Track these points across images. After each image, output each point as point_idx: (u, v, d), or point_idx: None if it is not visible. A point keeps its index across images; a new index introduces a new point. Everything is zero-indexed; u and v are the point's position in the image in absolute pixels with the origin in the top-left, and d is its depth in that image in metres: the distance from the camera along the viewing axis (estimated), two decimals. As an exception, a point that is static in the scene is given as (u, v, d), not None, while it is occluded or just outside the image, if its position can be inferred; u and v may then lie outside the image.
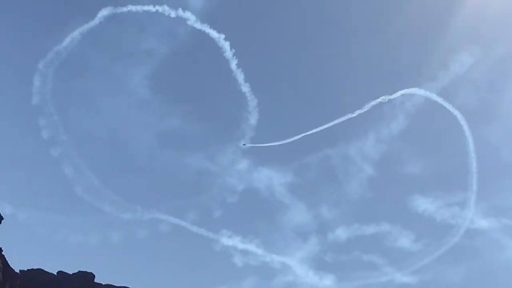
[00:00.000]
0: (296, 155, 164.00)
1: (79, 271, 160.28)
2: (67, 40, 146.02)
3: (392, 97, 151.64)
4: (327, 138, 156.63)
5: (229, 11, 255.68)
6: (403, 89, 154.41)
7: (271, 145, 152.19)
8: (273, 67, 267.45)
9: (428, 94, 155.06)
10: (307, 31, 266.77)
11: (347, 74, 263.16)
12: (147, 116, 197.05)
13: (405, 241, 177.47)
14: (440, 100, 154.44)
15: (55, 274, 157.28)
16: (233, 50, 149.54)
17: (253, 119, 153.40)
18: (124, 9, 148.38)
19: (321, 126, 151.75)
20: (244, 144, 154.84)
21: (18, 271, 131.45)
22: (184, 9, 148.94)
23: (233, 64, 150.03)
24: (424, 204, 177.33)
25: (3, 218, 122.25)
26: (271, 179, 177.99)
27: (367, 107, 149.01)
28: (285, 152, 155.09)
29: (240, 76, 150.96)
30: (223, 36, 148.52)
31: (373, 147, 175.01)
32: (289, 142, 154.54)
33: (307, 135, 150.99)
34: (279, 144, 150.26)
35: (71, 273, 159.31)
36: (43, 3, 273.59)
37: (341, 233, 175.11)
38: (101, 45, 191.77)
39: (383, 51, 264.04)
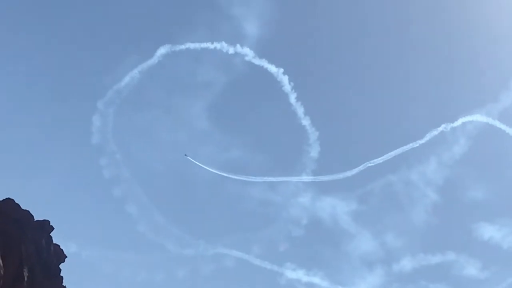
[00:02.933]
0: (358, 182, 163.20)
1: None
2: (126, 79, 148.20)
3: (453, 125, 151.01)
4: (389, 164, 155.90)
5: (286, 41, 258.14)
6: (463, 115, 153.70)
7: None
8: (332, 98, 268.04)
9: (489, 120, 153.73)
10: (365, 61, 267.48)
11: (407, 102, 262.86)
12: (208, 148, 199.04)
13: (471, 269, 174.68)
14: (501, 125, 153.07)
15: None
16: (292, 84, 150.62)
17: (314, 151, 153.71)
18: (182, 46, 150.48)
19: (383, 156, 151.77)
20: (186, 155, 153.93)
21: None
22: (242, 45, 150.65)
23: (293, 97, 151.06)
24: (489, 232, 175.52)
25: (66, 257, 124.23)
26: (335, 207, 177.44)
27: (428, 136, 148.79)
28: (347, 180, 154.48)
29: (300, 109, 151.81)
30: (281, 70, 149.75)
31: (436, 171, 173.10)
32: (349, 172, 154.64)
33: (370, 166, 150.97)
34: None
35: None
36: (98, 41, 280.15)
37: (406, 263, 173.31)
38: (159, 79, 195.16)
39: (441, 74, 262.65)
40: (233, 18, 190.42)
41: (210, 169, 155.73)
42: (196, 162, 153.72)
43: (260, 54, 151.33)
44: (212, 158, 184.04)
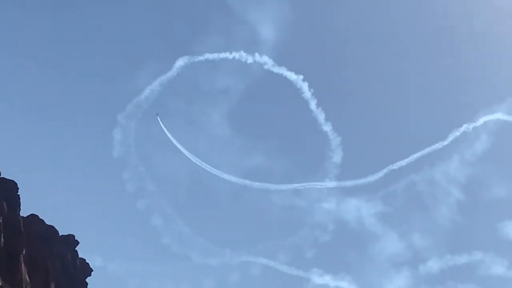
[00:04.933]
0: (382, 183, 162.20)
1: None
2: (146, 92, 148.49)
3: (475, 124, 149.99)
4: (411, 163, 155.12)
5: (302, 44, 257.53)
6: (484, 112, 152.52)
7: None
8: (353, 103, 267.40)
9: (511, 118, 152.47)
10: (385, 64, 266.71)
11: (427, 102, 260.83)
12: (229, 155, 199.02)
13: (499, 268, 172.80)
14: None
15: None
16: (312, 90, 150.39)
17: (336, 157, 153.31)
18: (201, 58, 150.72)
19: (406, 159, 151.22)
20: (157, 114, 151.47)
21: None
22: (260, 53, 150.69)
23: (313, 104, 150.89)
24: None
25: (92, 270, 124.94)
26: (360, 210, 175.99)
27: (451, 137, 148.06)
28: (370, 181, 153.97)
29: (320, 116, 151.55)
30: (301, 77, 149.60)
31: (458, 169, 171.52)
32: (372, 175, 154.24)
33: (393, 169, 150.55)
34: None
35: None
36: (114, 51, 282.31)
37: (433, 264, 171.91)
38: (178, 89, 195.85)
39: (459, 71, 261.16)
40: (248, 23, 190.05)
41: (204, 165, 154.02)
42: (163, 127, 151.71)
43: (279, 60, 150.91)
44: (234, 165, 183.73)
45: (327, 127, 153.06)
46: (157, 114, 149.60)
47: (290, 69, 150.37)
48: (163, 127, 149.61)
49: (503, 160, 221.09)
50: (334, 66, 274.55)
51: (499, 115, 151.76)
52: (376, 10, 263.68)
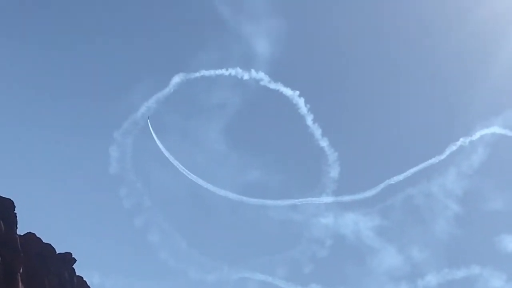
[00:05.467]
0: (378, 196, 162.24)
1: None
2: (142, 109, 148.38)
3: (472, 138, 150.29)
4: (408, 177, 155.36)
5: (297, 58, 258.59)
6: (480, 124, 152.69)
7: None
8: (349, 118, 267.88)
9: (507, 132, 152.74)
10: (381, 78, 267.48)
11: (422, 115, 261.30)
12: (226, 170, 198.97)
13: (497, 282, 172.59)
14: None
15: None
16: (308, 106, 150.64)
17: (333, 172, 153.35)
18: (197, 74, 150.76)
19: (403, 173, 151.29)
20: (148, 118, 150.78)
21: None
22: (256, 69, 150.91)
23: (309, 119, 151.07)
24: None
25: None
26: (357, 223, 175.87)
27: (448, 151, 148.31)
28: (368, 196, 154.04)
29: (317, 131, 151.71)
30: (297, 92, 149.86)
31: (455, 182, 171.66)
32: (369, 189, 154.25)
33: (391, 184, 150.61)
34: None
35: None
36: (109, 68, 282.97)
37: (431, 278, 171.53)
38: (174, 105, 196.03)
39: (455, 83, 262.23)
40: (243, 37, 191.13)
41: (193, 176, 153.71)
42: (153, 134, 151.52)
43: (274, 76, 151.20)
44: (231, 180, 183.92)
45: (323, 143, 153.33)
46: (148, 117, 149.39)
47: (286, 85, 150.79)
48: (153, 132, 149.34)
49: (500, 173, 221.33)
50: (330, 81, 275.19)
51: (495, 129, 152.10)
52: (371, 25, 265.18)
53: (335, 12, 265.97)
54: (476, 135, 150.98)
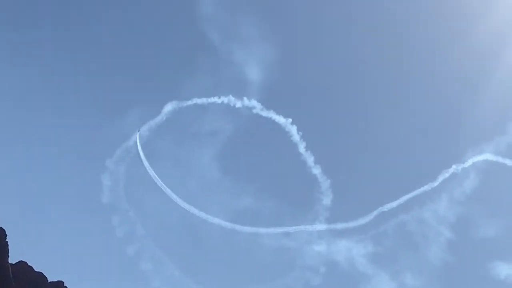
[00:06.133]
0: (371, 223, 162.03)
1: None
2: (134, 137, 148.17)
3: (464, 165, 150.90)
4: (401, 205, 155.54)
5: (289, 85, 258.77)
6: (472, 151, 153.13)
7: None
8: (342, 145, 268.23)
9: (499, 159, 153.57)
10: (373, 107, 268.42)
11: (416, 144, 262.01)
12: (219, 197, 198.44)
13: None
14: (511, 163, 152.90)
15: None
16: (300, 133, 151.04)
17: (326, 199, 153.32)
18: (189, 102, 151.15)
19: (396, 201, 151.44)
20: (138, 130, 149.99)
21: None
22: (248, 96, 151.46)
23: (302, 147, 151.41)
24: (505, 270, 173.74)
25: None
26: (351, 250, 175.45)
27: (440, 179, 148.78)
28: (361, 224, 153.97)
29: (309, 159, 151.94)
30: (289, 120, 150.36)
31: (448, 208, 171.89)
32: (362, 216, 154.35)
33: (384, 211, 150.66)
34: None
35: None
36: (101, 96, 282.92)
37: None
38: (166, 132, 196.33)
39: (446, 109, 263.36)
40: (235, 64, 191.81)
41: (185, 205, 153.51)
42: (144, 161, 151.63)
43: (267, 103, 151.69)
44: (223, 207, 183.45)
45: (316, 170, 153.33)
46: (138, 130, 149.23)
47: (278, 112, 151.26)
48: (143, 158, 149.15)
49: (492, 199, 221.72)
50: (322, 108, 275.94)
51: (487, 156, 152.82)
52: (363, 52, 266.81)
53: (327, 38, 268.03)
54: (469, 162, 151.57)
